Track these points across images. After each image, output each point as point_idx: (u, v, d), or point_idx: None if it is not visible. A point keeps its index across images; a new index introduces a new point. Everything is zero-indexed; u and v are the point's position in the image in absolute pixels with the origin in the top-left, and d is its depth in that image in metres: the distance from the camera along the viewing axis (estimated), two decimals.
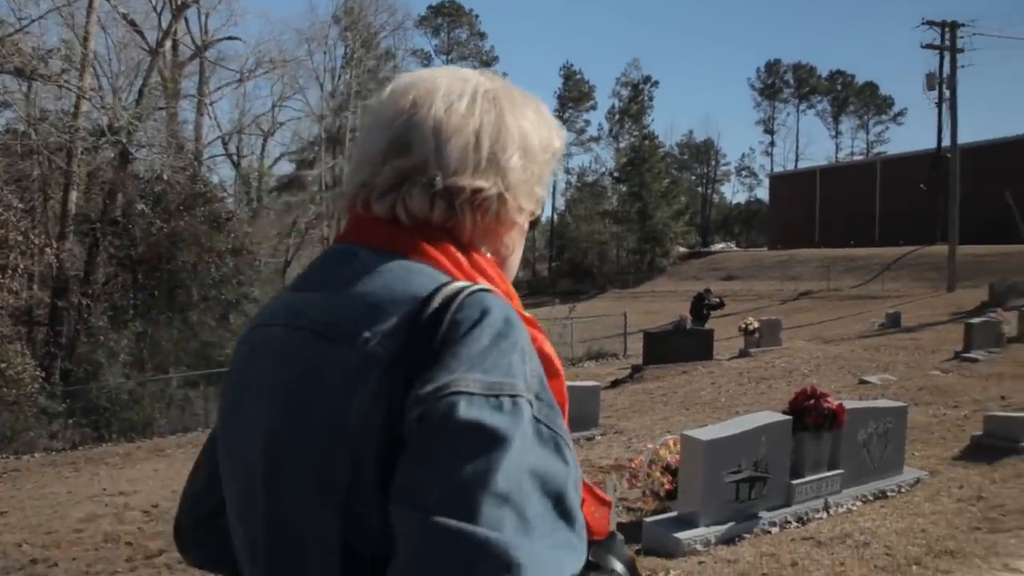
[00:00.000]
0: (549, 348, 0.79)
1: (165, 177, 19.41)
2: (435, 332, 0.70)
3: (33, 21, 17.09)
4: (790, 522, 4.96)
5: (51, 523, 7.58)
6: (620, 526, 5.18)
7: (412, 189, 0.80)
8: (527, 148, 0.85)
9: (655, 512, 5.22)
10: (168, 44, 24.17)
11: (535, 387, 0.70)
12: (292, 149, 33.96)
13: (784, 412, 5.32)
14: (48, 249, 16.05)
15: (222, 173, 45.14)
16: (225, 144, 31.92)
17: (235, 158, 33.05)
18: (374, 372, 0.70)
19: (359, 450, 0.69)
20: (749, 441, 4.91)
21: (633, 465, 5.63)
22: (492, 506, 0.62)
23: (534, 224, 0.91)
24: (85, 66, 19.56)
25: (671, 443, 5.47)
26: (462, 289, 0.73)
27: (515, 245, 0.90)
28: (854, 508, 5.23)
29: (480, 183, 0.81)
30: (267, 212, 30.81)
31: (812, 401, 5.22)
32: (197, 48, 26.11)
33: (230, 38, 27.27)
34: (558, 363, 0.79)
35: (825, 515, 5.10)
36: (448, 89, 0.83)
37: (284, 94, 30.93)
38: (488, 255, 0.85)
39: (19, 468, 12.72)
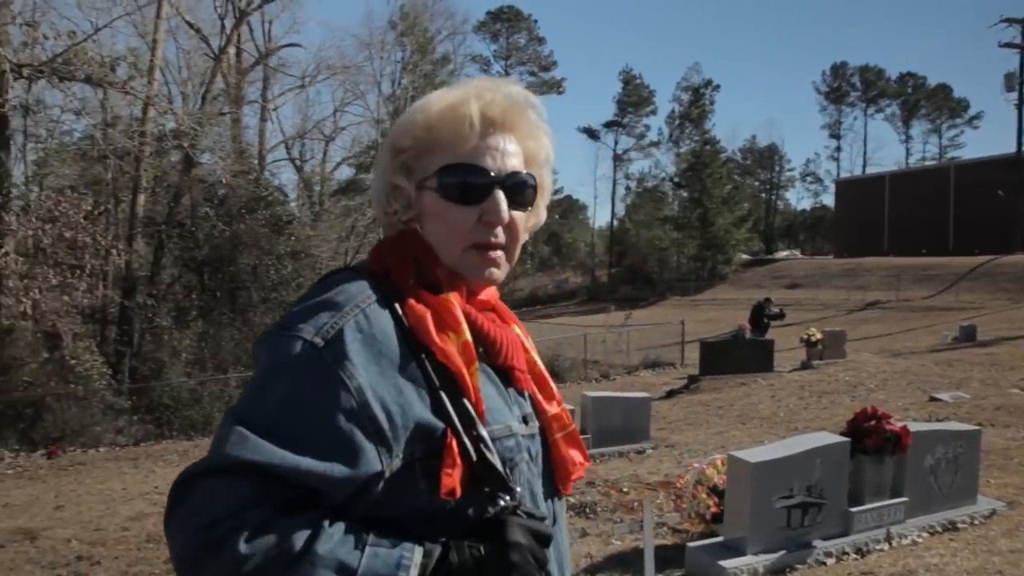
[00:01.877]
0: (428, 317, 0.91)
1: (224, 181, 19.83)
2: None
3: (100, 29, 17.65)
4: (848, 553, 4.62)
5: (102, 520, 7.69)
6: (663, 549, 4.92)
7: None
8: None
9: (701, 536, 4.94)
10: (232, 51, 24.71)
11: (328, 335, 0.86)
12: (352, 153, 34.41)
13: (842, 433, 4.97)
14: (114, 250, 16.52)
15: (285, 177, 46.28)
16: (288, 149, 32.51)
17: (298, 162, 33.66)
18: None
19: None
20: (802, 464, 4.58)
21: (679, 484, 5.35)
22: (247, 401, 0.85)
23: (465, 199, 0.98)
24: (152, 72, 20.14)
25: (719, 462, 5.17)
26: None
27: (432, 227, 1.01)
28: (920, 540, 4.84)
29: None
30: (328, 215, 31.26)
31: (873, 422, 4.86)
32: (260, 55, 26.67)
33: (292, 45, 27.82)
34: (433, 335, 0.90)
35: (887, 547, 4.73)
36: None
37: (345, 99, 31.32)
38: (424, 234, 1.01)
39: (84, 462, 13.06)
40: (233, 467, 0.78)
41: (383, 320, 0.89)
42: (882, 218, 47.69)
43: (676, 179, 55.70)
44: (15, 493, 9.34)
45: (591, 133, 66.61)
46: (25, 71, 15.88)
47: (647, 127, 66.07)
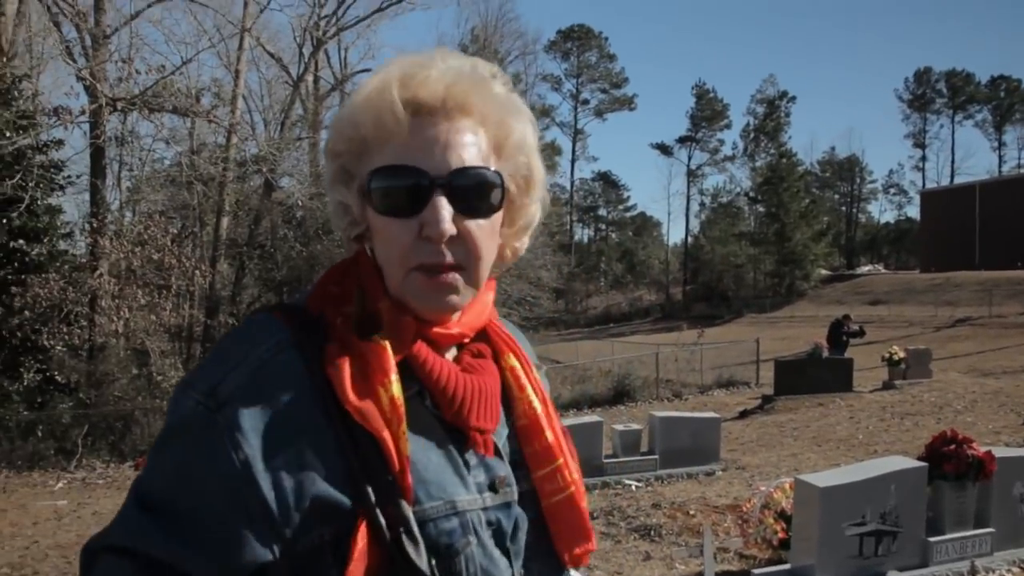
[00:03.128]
0: (346, 367, 0.75)
1: (302, 203, 20.54)
2: None
3: (187, 62, 18.64)
4: None
5: None
6: (727, 575, 4.79)
7: None
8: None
9: (768, 562, 4.78)
10: (310, 78, 25.69)
11: (222, 394, 0.73)
12: None
13: (919, 458, 4.74)
14: (199, 271, 17.30)
15: None
16: None
17: None
18: None
19: None
20: (875, 489, 4.38)
21: (745, 508, 5.20)
22: (148, 468, 0.75)
23: (404, 212, 0.78)
24: (235, 101, 21.11)
25: (787, 486, 5.00)
26: None
27: (377, 246, 0.83)
28: (1009, 575, 4.56)
29: None
30: None
31: (952, 446, 4.61)
32: (337, 80, 27.61)
33: (366, 70, 28.62)
34: (348, 391, 0.74)
35: None
36: None
37: None
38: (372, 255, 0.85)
39: None
40: (118, 548, 0.72)
41: (292, 373, 0.75)
42: (972, 230, 45.49)
43: (751, 194, 54.68)
44: (103, 502, 9.81)
45: (664, 149, 66.15)
46: (119, 104, 16.88)
47: (721, 141, 65.34)
